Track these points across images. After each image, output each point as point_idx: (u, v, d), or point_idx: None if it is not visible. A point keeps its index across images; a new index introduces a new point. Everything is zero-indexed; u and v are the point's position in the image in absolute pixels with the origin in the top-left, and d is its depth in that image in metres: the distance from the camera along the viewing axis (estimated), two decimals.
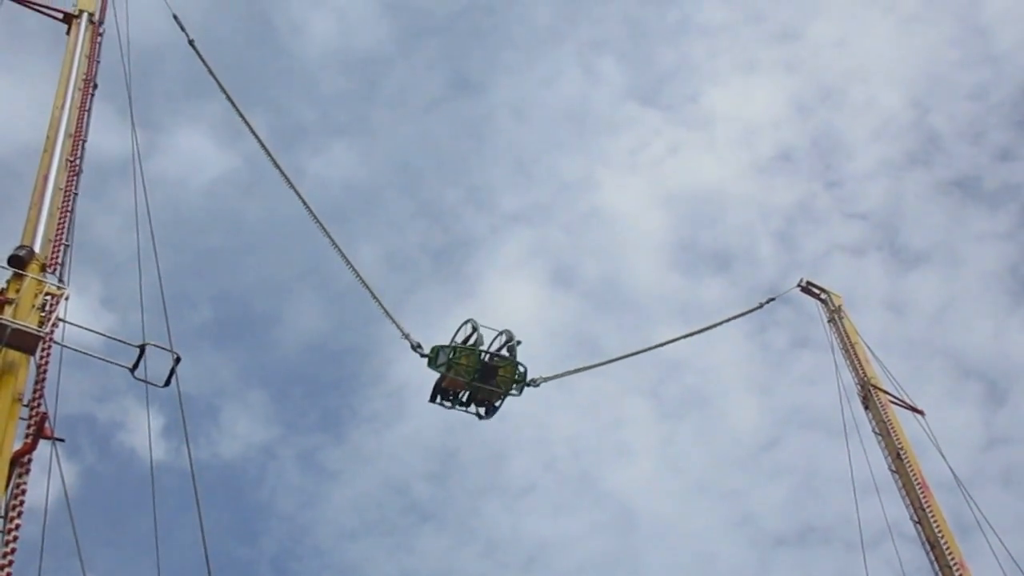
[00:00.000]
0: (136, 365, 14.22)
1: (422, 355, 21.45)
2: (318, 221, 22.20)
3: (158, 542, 15.14)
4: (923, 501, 21.42)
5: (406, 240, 59.38)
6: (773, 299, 28.32)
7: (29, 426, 12.39)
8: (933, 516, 21.12)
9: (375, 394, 55.92)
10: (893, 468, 22.38)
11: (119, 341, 14.36)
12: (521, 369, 21.40)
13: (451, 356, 21.24)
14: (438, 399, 21.91)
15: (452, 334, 21.66)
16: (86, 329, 14.28)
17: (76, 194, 16.37)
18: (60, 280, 14.71)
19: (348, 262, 22.18)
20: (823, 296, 27.83)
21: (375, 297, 22.08)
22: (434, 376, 21.63)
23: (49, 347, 13.49)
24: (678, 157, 63.86)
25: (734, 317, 27.59)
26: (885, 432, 23.01)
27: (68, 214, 15.77)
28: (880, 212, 57.89)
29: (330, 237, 22.12)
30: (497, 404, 21.80)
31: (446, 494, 53.06)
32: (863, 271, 53.35)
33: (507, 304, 58.24)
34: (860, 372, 24.54)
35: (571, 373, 23.24)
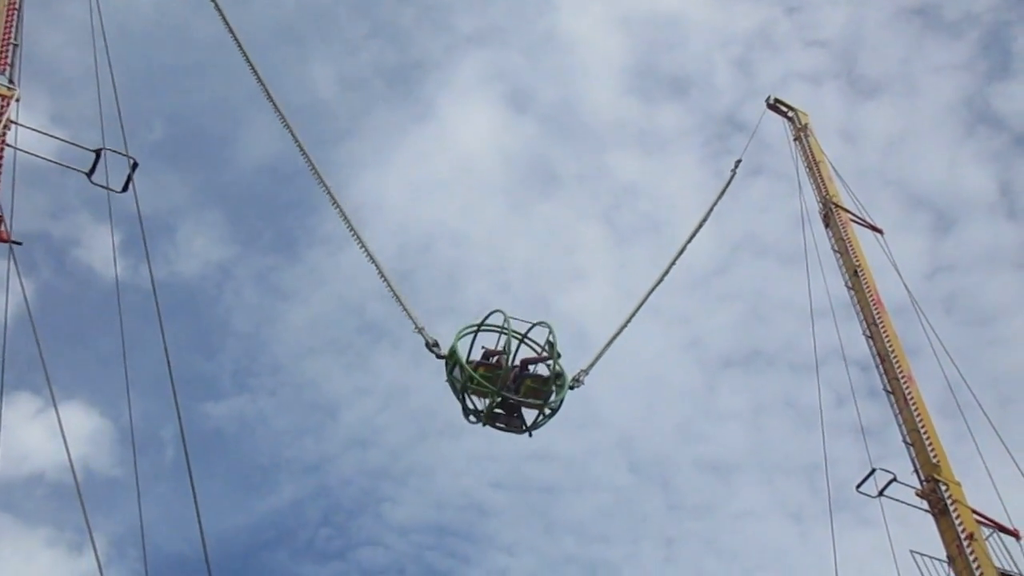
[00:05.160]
0: (93, 170, 13.91)
1: (438, 356, 18.37)
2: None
3: (126, 358, 15.10)
4: (876, 316, 21.80)
5: (359, 61, 57.69)
6: (739, 160, 27.89)
7: None
8: (885, 331, 21.52)
9: (329, 216, 55.06)
10: (849, 285, 22.66)
11: (75, 145, 14.03)
12: (556, 398, 17.87)
13: (467, 383, 17.93)
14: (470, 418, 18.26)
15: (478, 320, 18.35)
16: (40, 132, 13.90)
17: None
18: (10, 81, 14.19)
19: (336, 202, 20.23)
20: (790, 114, 27.65)
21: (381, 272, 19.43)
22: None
23: (1, 150, 13.10)
24: None
25: (723, 190, 26.66)
26: (844, 250, 23.18)
27: (15, 12, 15.08)
28: (839, 40, 57.00)
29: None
30: (539, 420, 17.94)
31: (401, 314, 53.24)
32: (820, 99, 52.86)
33: (463, 128, 57.44)
34: (823, 190, 24.58)
35: (607, 347, 20.26)
